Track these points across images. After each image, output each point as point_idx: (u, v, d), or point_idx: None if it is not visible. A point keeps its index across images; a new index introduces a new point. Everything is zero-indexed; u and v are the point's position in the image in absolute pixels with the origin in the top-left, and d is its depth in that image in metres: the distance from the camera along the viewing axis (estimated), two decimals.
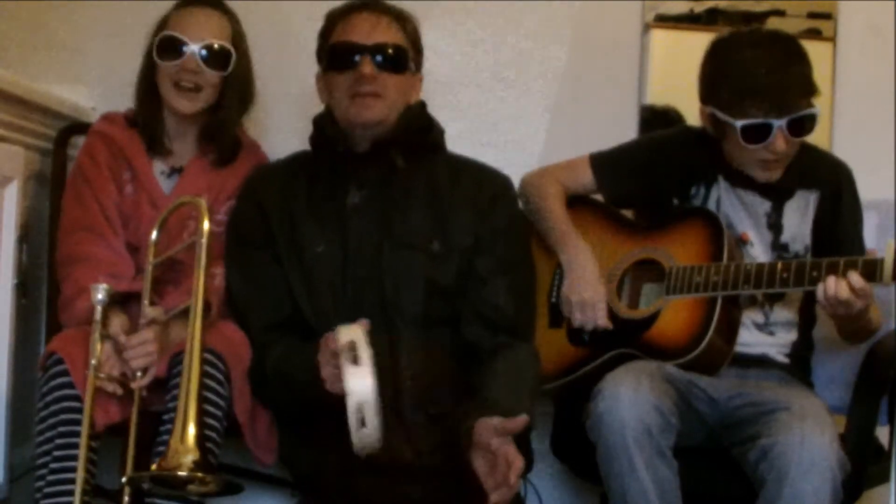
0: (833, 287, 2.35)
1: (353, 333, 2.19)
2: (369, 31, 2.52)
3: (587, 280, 2.59)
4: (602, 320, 2.57)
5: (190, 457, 2.17)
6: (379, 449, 2.18)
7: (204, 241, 2.39)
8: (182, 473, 2.17)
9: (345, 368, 2.15)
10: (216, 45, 2.60)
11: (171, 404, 2.35)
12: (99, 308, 2.37)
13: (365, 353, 2.16)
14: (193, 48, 2.57)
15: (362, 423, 2.14)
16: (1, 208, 2.61)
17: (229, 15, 2.67)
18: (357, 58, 2.49)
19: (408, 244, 2.50)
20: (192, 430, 2.19)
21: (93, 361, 2.33)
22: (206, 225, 2.40)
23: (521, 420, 2.24)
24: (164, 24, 2.63)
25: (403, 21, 2.57)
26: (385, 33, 2.53)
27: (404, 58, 2.54)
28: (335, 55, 2.54)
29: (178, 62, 2.57)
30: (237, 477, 2.47)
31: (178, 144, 2.67)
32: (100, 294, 2.36)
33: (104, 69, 3.03)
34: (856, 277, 2.34)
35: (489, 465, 2.24)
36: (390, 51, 2.52)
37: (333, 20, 2.58)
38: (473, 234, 2.53)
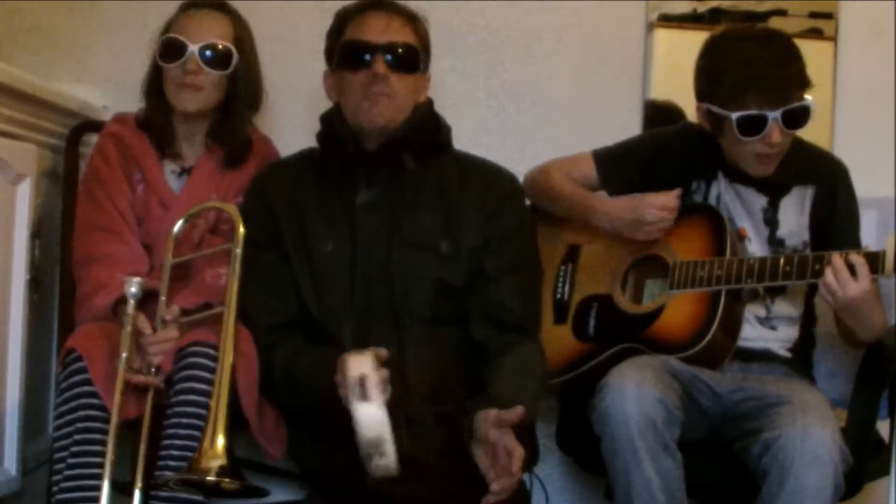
0: (831, 276, 2.36)
1: (363, 366, 2.18)
2: (382, 30, 2.51)
3: (623, 212, 2.58)
4: (665, 200, 2.54)
5: (218, 462, 2.19)
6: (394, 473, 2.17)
7: (239, 250, 2.40)
8: (210, 479, 2.20)
9: (354, 405, 2.15)
10: (216, 45, 2.61)
11: (175, 398, 2.38)
12: (132, 301, 2.38)
13: (374, 389, 2.15)
14: (193, 48, 2.59)
15: (378, 454, 2.15)
16: (14, 205, 2.63)
17: (233, 16, 2.67)
18: (370, 57, 2.48)
19: (416, 244, 2.51)
20: (221, 437, 2.22)
21: (124, 354, 2.35)
22: (241, 230, 2.42)
23: (518, 410, 2.24)
24: (168, 27, 2.65)
25: (415, 21, 2.56)
26: (398, 33, 2.52)
27: (416, 58, 2.54)
28: (347, 54, 2.52)
29: (179, 62, 2.59)
30: (245, 470, 2.49)
31: (187, 146, 2.69)
32: (133, 287, 2.38)
33: (115, 68, 3.04)
34: (856, 257, 2.36)
35: (490, 457, 2.25)
36: (403, 51, 2.51)
37: (345, 18, 2.57)
38: (482, 235, 2.53)
